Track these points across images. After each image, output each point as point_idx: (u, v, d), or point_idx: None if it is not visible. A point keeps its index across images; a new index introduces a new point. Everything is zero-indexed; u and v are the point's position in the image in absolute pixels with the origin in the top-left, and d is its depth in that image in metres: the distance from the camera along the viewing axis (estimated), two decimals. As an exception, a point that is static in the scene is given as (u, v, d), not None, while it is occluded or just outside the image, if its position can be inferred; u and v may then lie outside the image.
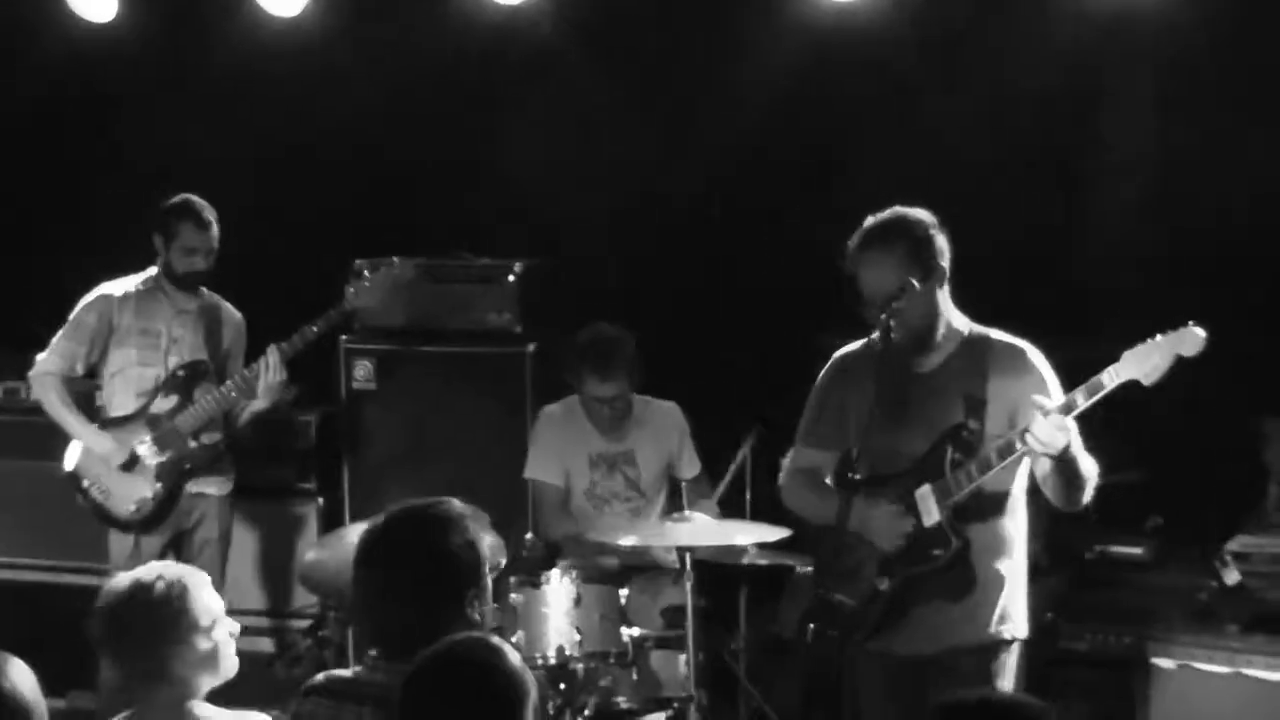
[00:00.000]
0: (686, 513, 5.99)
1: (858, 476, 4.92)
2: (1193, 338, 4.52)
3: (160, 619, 3.96)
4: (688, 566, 5.79)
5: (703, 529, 5.87)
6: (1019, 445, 4.72)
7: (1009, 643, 5.02)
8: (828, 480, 5.10)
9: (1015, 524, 5.02)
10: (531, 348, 7.46)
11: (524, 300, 7.52)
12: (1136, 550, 6.46)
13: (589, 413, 6.65)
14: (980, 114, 7.13)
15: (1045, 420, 4.60)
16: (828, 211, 7.22)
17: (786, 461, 5.35)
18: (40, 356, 6.88)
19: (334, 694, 3.66)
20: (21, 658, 3.45)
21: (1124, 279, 6.79)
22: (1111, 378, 4.58)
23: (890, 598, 4.95)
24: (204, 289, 6.91)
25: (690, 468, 6.73)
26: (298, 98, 8.06)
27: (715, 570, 6.36)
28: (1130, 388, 4.56)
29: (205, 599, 4.02)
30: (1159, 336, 4.54)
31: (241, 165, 7.99)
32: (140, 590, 3.99)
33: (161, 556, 6.69)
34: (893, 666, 5.01)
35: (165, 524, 6.79)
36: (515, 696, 3.14)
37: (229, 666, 4.04)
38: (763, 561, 6.36)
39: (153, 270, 6.86)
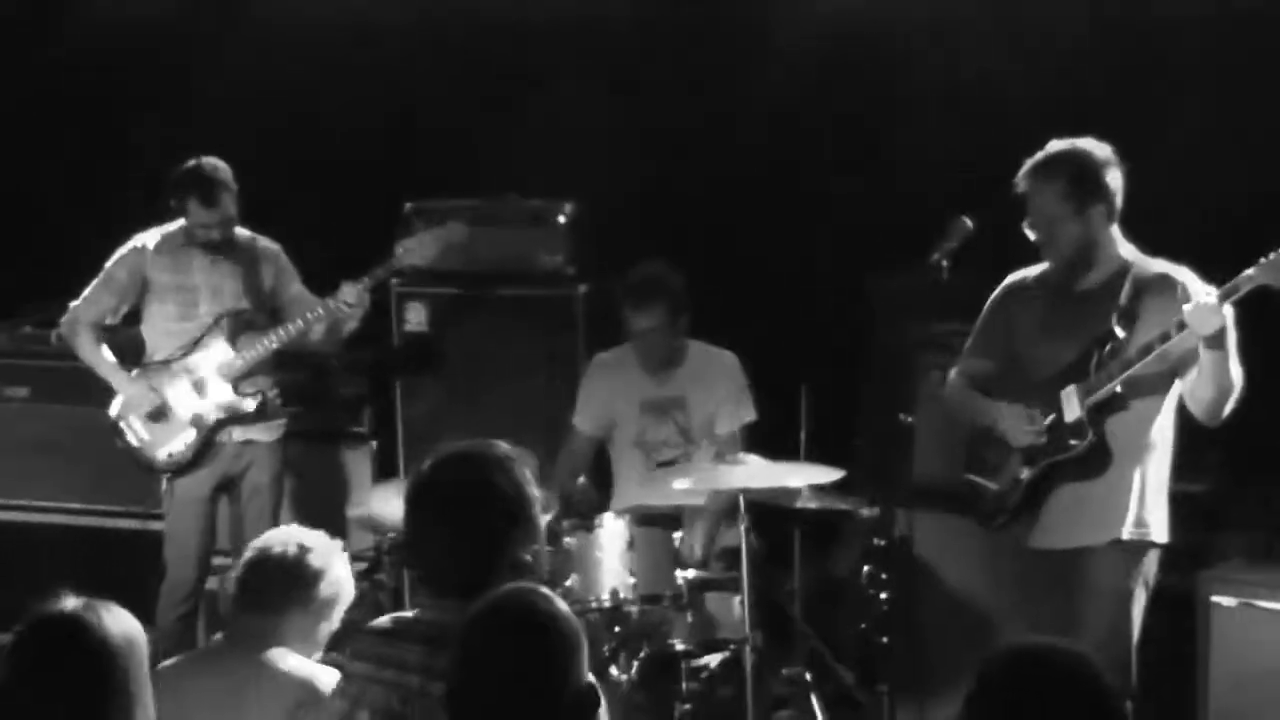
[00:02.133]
0: (740, 455, 5.94)
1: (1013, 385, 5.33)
2: None
3: (317, 598, 4.19)
4: (742, 508, 5.75)
5: (755, 471, 5.83)
6: (1157, 344, 4.96)
7: (1143, 545, 5.20)
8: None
9: (1159, 426, 5.21)
10: (583, 289, 7.43)
11: (575, 241, 7.48)
12: (1196, 486, 6.38)
13: (637, 355, 6.60)
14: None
15: (1201, 303, 4.84)
16: (877, 161, 7.29)
17: (953, 371, 5.62)
18: (73, 304, 6.86)
19: (390, 633, 3.66)
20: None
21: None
22: (1246, 281, 4.82)
23: (1030, 485, 5.27)
24: (236, 230, 6.78)
25: (734, 420, 6.59)
26: (336, 44, 8.01)
27: (770, 512, 6.32)
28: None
29: (339, 614, 4.26)
30: None
31: (283, 107, 7.97)
32: (298, 555, 4.20)
33: (212, 502, 6.74)
34: (1030, 555, 5.32)
35: (209, 470, 6.76)
36: (571, 645, 3.10)
37: (324, 641, 4.25)
38: (815, 504, 6.31)
39: (183, 220, 6.75)
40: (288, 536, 4.29)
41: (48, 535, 7.74)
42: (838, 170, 7.50)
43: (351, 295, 6.61)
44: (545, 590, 3.23)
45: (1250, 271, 4.82)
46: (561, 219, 7.49)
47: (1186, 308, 4.88)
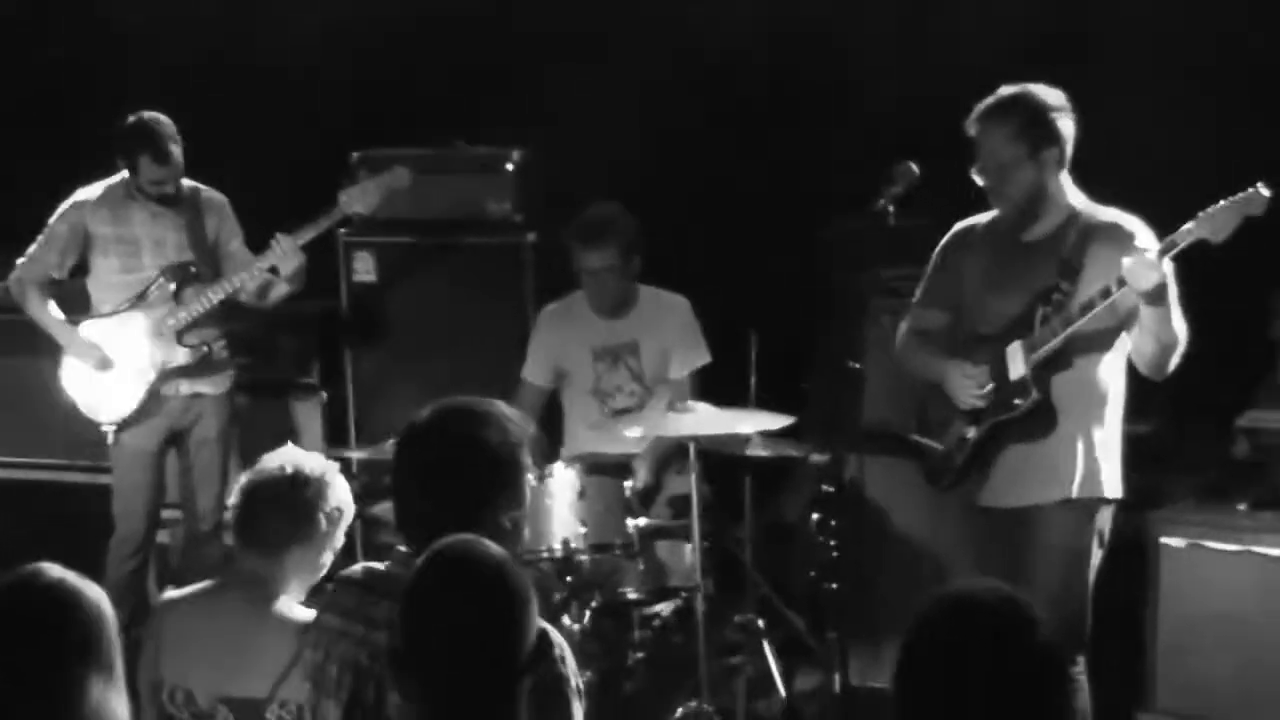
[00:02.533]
0: (690, 403, 5.93)
1: (959, 340, 5.28)
2: (1259, 199, 4.72)
3: (315, 523, 4.14)
4: (692, 456, 5.75)
5: (706, 419, 5.82)
6: (1099, 300, 4.90)
7: (1095, 502, 5.17)
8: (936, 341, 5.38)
9: (1108, 380, 5.16)
10: (532, 237, 7.39)
11: (523, 189, 7.44)
12: (1144, 427, 6.40)
13: (588, 296, 6.56)
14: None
15: (1139, 257, 4.77)
16: (829, 113, 7.26)
17: (903, 324, 5.54)
18: (19, 261, 6.83)
19: (362, 586, 3.62)
20: (23, 556, 3.42)
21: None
22: (1185, 235, 4.76)
23: (976, 445, 5.22)
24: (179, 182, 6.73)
25: (685, 365, 6.59)
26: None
27: (719, 459, 6.32)
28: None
29: (340, 534, 4.21)
30: (1227, 199, 4.73)
31: (236, 53, 7.90)
32: (322, 488, 4.16)
33: (160, 456, 6.72)
34: (978, 513, 5.28)
35: (156, 423, 6.73)
36: (520, 597, 3.07)
37: (319, 579, 4.20)
38: (766, 452, 6.31)
39: (125, 173, 6.73)
40: (281, 467, 4.19)
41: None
42: (787, 114, 7.48)
43: (282, 249, 6.55)
44: (488, 542, 3.20)
45: (1189, 226, 4.77)
46: (509, 166, 7.44)
47: (1125, 262, 4.80)
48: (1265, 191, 4.72)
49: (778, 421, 5.82)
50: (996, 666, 2.74)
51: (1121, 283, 4.83)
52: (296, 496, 4.14)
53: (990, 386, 5.16)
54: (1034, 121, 5.10)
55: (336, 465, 4.28)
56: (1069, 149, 5.15)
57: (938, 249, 5.47)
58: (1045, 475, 5.15)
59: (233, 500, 4.25)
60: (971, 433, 5.24)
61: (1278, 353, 6.38)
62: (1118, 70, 6.60)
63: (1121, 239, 5.02)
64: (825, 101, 7.35)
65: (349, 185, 6.84)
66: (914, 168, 5.67)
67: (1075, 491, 5.14)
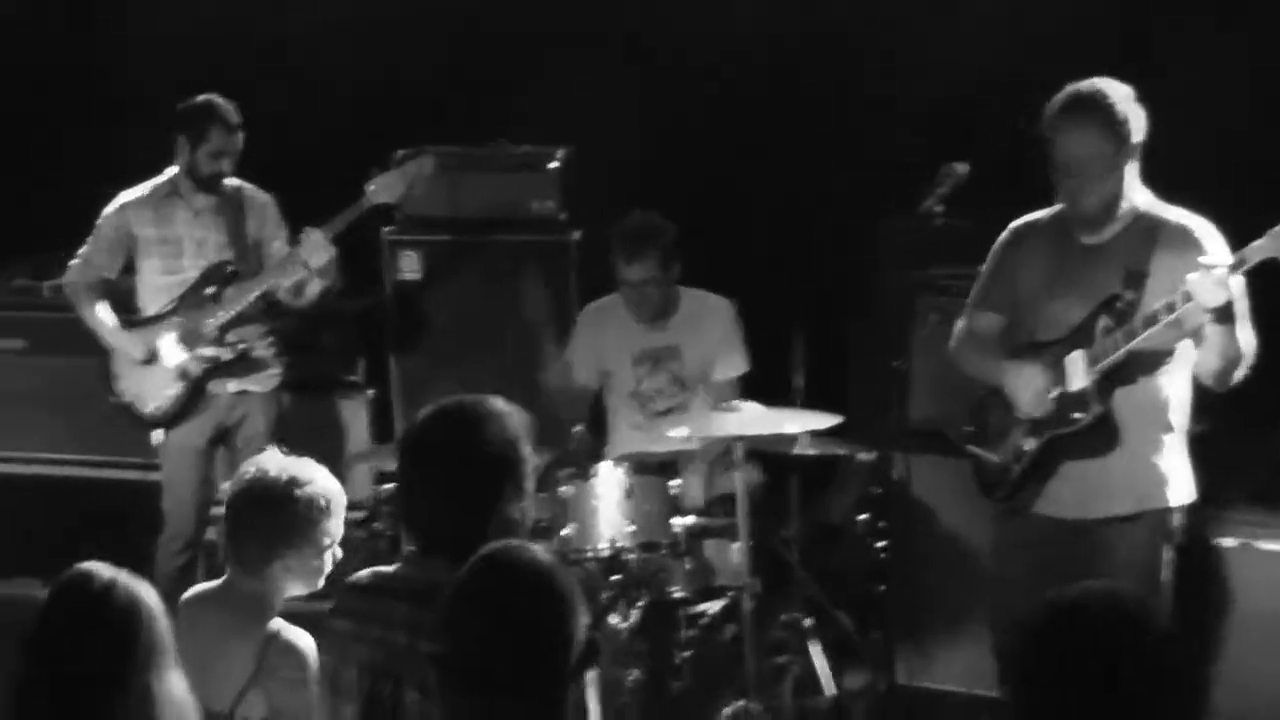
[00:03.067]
0: (735, 403, 5.92)
1: (1017, 345, 5.12)
2: None
3: (295, 517, 4.06)
4: (739, 456, 5.73)
5: (752, 418, 5.80)
6: (1163, 315, 4.77)
7: (1162, 511, 5.06)
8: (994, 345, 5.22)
9: (1173, 390, 5.04)
10: (576, 235, 7.39)
11: (568, 187, 7.44)
12: (1196, 428, 6.35)
13: (629, 306, 6.56)
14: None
15: (1206, 274, 4.63)
16: (873, 111, 7.23)
17: (959, 325, 5.39)
18: (70, 264, 6.89)
19: (371, 589, 3.63)
20: (68, 554, 3.45)
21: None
22: (1256, 253, 4.63)
23: (1035, 458, 5.07)
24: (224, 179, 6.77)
25: (728, 369, 6.57)
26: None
27: (767, 459, 6.31)
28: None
29: (338, 523, 4.12)
30: None
31: (280, 54, 7.91)
32: (293, 485, 4.07)
33: (208, 454, 6.72)
34: (1036, 523, 5.11)
35: (203, 421, 6.75)
36: (566, 600, 3.06)
37: (317, 584, 4.13)
38: (813, 450, 6.29)
39: (170, 172, 6.76)
40: (258, 475, 4.11)
41: (46, 487, 7.74)
42: (832, 114, 7.46)
43: (312, 241, 6.56)
44: (535, 545, 3.19)
45: (1260, 242, 4.62)
46: (553, 165, 7.45)
47: (1191, 278, 4.65)
48: None
49: (824, 421, 5.81)
50: (1123, 671, 2.69)
51: (1187, 297, 4.70)
52: (277, 503, 4.06)
53: (1052, 395, 5.02)
54: (1118, 117, 4.92)
55: (312, 462, 4.18)
56: (1141, 144, 4.99)
57: (994, 249, 5.31)
58: (1111, 489, 5.02)
59: (223, 514, 4.20)
60: (1029, 444, 5.09)
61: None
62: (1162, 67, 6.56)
63: (1189, 246, 4.88)
64: (871, 99, 7.32)
65: (377, 175, 6.83)
66: (960, 168, 5.64)
67: (1143, 505, 5.03)
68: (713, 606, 6.00)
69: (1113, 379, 4.96)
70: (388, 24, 8.02)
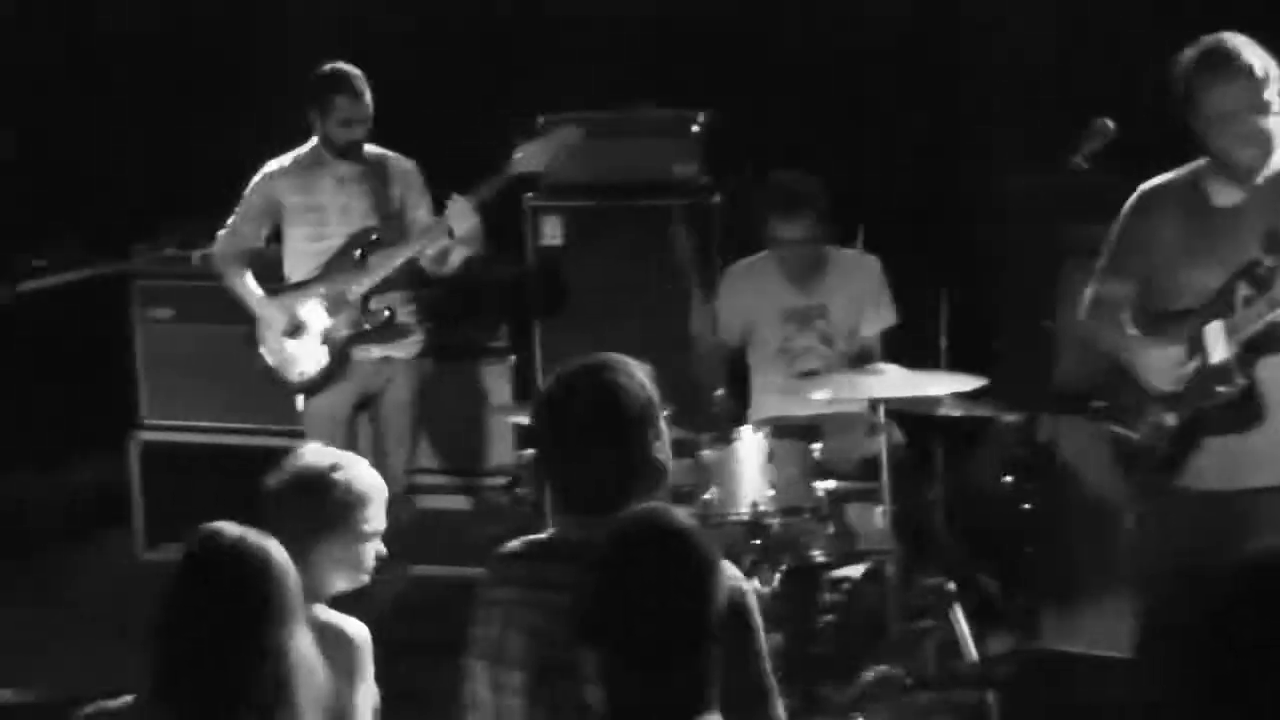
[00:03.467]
0: (879, 365, 5.88)
1: (1152, 314, 4.90)
2: None
3: (331, 507, 4.02)
4: (881, 417, 5.70)
5: (895, 380, 5.77)
6: None
7: None
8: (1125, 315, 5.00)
9: None
10: (718, 198, 7.38)
11: (709, 150, 7.42)
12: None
13: (779, 262, 6.54)
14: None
15: None
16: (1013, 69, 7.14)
17: (1088, 293, 5.17)
18: (218, 234, 6.97)
19: (531, 555, 3.61)
20: (220, 519, 3.49)
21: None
22: None
23: (1178, 433, 4.87)
24: (367, 147, 6.81)
25: (874, 323, 6.57)
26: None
27: (911, 421, 6.26)
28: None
29: (377, 513, 4.09)
30: None
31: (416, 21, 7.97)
32: (327, 474, 4.05)
33: (352, 420, 6.77)
34: (1184, 498, 4.90)
35: (347, 388, 6.79)
36: (708, 562, 3.06)
37: (365, 578, 4.10)
38: (958, 412, 6.24)
39: (313, 141, 6.82)
40: (290, 468, 4.07)
41: (195, 454, 7.88)
42: (972, 71, 7.39)
43: (458, 209, 6.58)
44: (677, 509, 3.19)
45: None
46: (695, 128, 7.43)
47: None
48: None
49: (968, 383, 5.76)
50: None
51: None
52: (314, 489, 4.02)
53: (1190, 367, 4.83)
54: (1262, 63, 4.72)
55: (380, 484, 4.13)
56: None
57: (1123, 213, 5.08)
58: (1256, 460, 4.80)
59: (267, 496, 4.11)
60: (1170, 419, 4.88)
61: None
62: None
63: None
64: (1018, 56, 7.23)
65: (523, 144, 6.84)
66: (1110, 124, 5.54)
67: None
68: (855, 571, 5.97)
69: (1256, 349, 4.75)
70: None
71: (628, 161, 7.49)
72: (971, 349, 6.36)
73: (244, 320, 6.95)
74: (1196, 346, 4.83)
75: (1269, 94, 4.71)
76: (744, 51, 7.54)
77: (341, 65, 6.72)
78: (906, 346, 6.42)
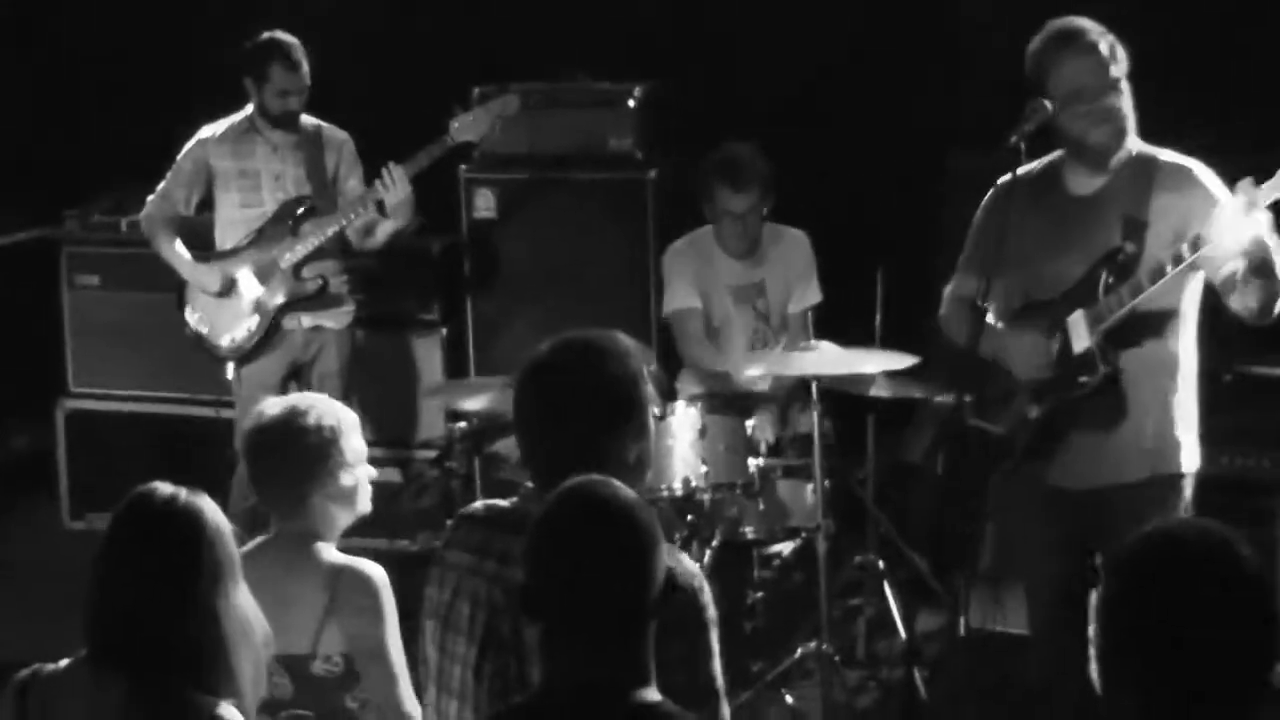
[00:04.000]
0: (813, 342, 5.88)
1: (1013, 307, 4.80)
2: None
3: (308, 449, 4.00)
4: (814, 395, 5.70)
5: (829, 358, 5.77)
6: (1169, 266, 4.50)
7: (1174, 477, 4.75)
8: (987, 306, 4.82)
9: (1180, 346, 4.74)
10: (653, 174, 7.35)
11: (645, 125, 7.39)
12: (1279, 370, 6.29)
13: (720, 236, 6.51)
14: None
15: (1226, 215, 4.35)
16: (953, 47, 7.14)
17: (948, 289, 5.11)
18: (148, 199, 6.92)
19: (488, 522, 3.57)
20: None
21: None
22: (1268, 192, 4.33)
23: (1040, 425, 4.77)
24: (303, 117, 6.79)
25: (802, 300, 6.57)
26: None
27: (842, 398, 6.26)
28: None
29: (354, 440, 4.08)
30: None
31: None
32: (293, 419, 4.03)
33: (281, 390, 6.71)
34: (1048, 494, 4.79)
35: (277, 357, 6.78)
36: (649, 537, 3.03)
37: (365, 505, 4.11)
38: (889, 392, 6.24)
39: (248, 109, 6.80)
40: (274, 415, 4.05)
41: (122, 422, 7.81)
42: (910, 51, 7.38)
43: (391, 177, 6.54)
44: (618, 482, 3.16)
45: (1273, 181, 4.32)
46: (631, 102, 7.40)
47: (1212, 223, 4.38)
48: None
49: (902, 361, 5.76)
50: (1207, 598, 2.63)
51: (1195, 246, 4.43)
52: (286, 440, 4.02)
53: (1054, 356, 4.72)
54: (1112, 43, 4.67)
55: (354, 416, 4.12)
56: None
57: (981, 209, 4.99)
58: (1122, 454, 4.70)
59: (241, 443, 4.17)
60: (1034, 411, 4.77)
61: None
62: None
63: (1187, 187, 4.65)
64: (952, 35, 7.24)
65: (460, 114, 6.80)
66: (1048, 104, 5.52)
67: (1156, 469, 4.72)
68: (786, 547, 5.99)
69: (1118, 339, 4.66)
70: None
71: (563, 134, 7.45)
72: (907, 328, 6.36)
73: (172, 288, 6.90)
74: (1060, 337, 4.73)
75: (1116, 71, 4.66)
76: (682, 24, 7.50)
77: (279, 34, 6.68)
78: (841, 322, 6.42)
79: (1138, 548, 2.72)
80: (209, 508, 3.33)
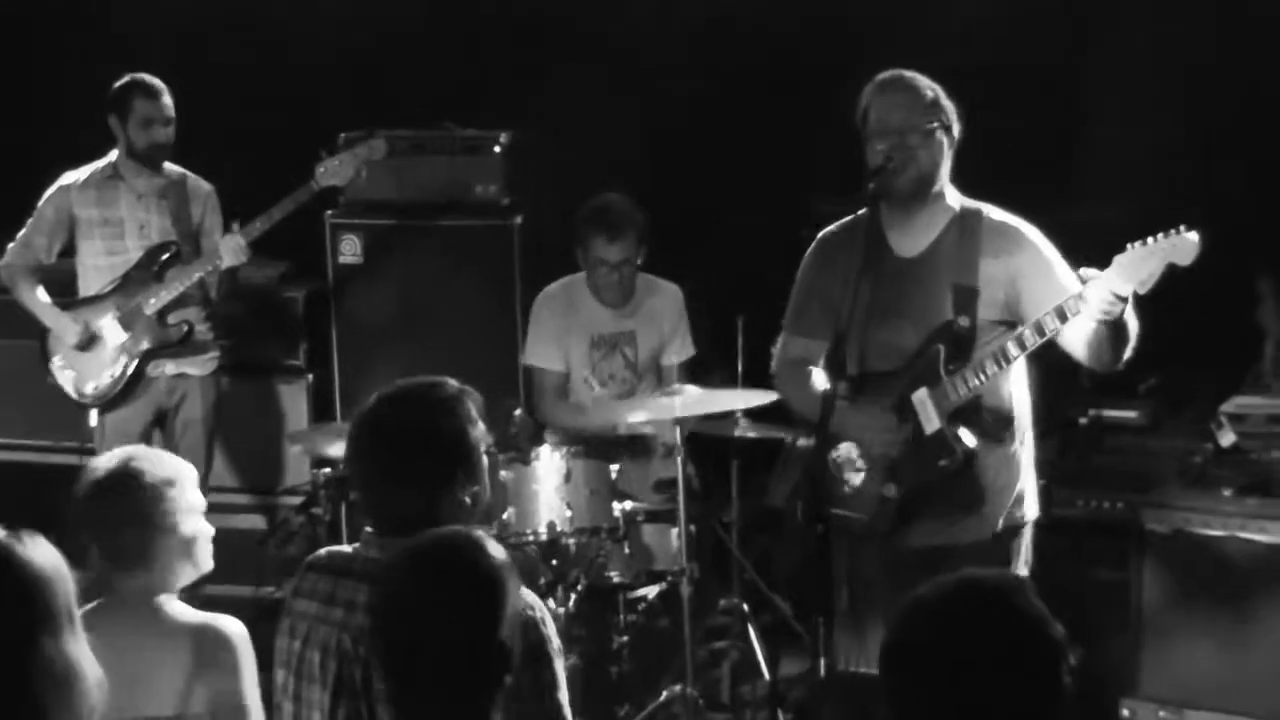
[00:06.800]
0: (676, 386, 5.94)
1: (847, 376, 4.70)
2: (1187, 245, 4.23)
3: (144, 499, 3.90)
4: (678, 439, 5.75)
5: (692, 400, 5.82)
6: (1014, 350, 4.55)
7: (1018, 529, 4.84)
8: (818, 372, 4.84)
9: (1019, 406, 4.80)
10: (518, 220, 7.39)
11: (510, 172, 7.43)
12: (1131, 414, 6.41)
13: (594, 285, 6.54)
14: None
15: (1100, 291, 4.30)
16: (821, 78, 7.23)
17: (777, 348, 5.06)
18: (8, 246, 6.88)
19: (333, 570, 3.61)
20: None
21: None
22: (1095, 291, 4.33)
23: (899, 505, 4.74)
24: (167, 165, 6.79)
25: (678, 353, 6.63)
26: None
27: (707, 442, 6.32)
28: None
29: (190, 492, 3.98)
30: (1151, 241, 4.26)
31: (231, 39, 7.88)
32: (126, 473, 3.93)
33: (145, 437, 6.68)
34: (905, 555, 4.75)
35: (141, 404, 6.75)
36: (496, 593, 3.06)
37: (205, 561, 3.99)
38: (753, 434, 6.31)
39: (112, 156, 6.79)
40: (109, 472, 3.93)
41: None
42: (768, 98, 7.47)
43: (231, 243, 6.58)
44: (477, 534, 3.18)
45: (1086, 290, 4.36)
46: (497, 148, 7.44)
47: (1086, 294, 4.34)
48: (1193, 237, 4.23)
49: (762, 397, 5.79)
50: (992, 642, 2.73)
51: (1039, 329, 4.46)
52: (119, 492, 3.90)
53: (902, 436, 4.69)
54: (930, 92, 4.70)
55: (190, 468, 4.03)
56: (957, 133, 4.75)
57: (803, 267, 4.99)
58: (971, 515, 4.75)
59: (79, 515, 3.98)
60: (892, 490, 4.72)
61: (1265, 339, 6.39)
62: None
63: (1016, 249, 4.67)
64: (811, 84, 7.33)
65: (326, 159, 6.81)
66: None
67: (1001, 523, 4.78)
68: (651, 591, 6.02)
69: (964, 416, 4.68)
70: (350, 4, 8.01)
71: (429, 180, 7.47)
72: (769, 374, 6.42)
73: (33, 335, 6.84)
74: (905, 414, 4.71)
75: (930, 119, 4.67)
76: (547, 72, 7.55)
77: (142, 76, 6.71)
78: (704, 370, 6.48)
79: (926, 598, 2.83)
80: (40, 555, 3.10)
